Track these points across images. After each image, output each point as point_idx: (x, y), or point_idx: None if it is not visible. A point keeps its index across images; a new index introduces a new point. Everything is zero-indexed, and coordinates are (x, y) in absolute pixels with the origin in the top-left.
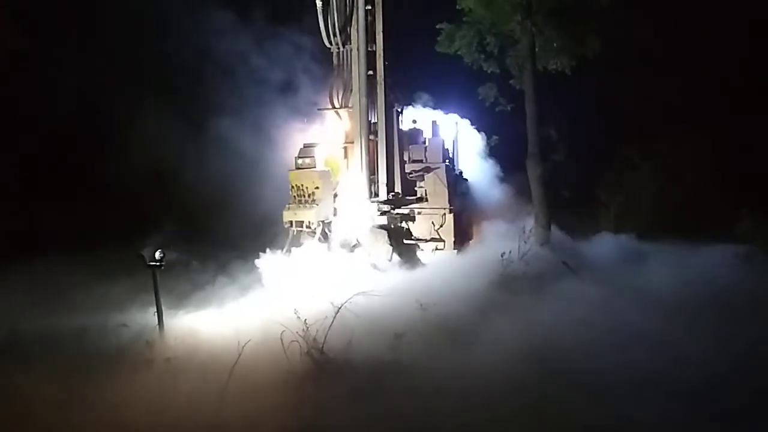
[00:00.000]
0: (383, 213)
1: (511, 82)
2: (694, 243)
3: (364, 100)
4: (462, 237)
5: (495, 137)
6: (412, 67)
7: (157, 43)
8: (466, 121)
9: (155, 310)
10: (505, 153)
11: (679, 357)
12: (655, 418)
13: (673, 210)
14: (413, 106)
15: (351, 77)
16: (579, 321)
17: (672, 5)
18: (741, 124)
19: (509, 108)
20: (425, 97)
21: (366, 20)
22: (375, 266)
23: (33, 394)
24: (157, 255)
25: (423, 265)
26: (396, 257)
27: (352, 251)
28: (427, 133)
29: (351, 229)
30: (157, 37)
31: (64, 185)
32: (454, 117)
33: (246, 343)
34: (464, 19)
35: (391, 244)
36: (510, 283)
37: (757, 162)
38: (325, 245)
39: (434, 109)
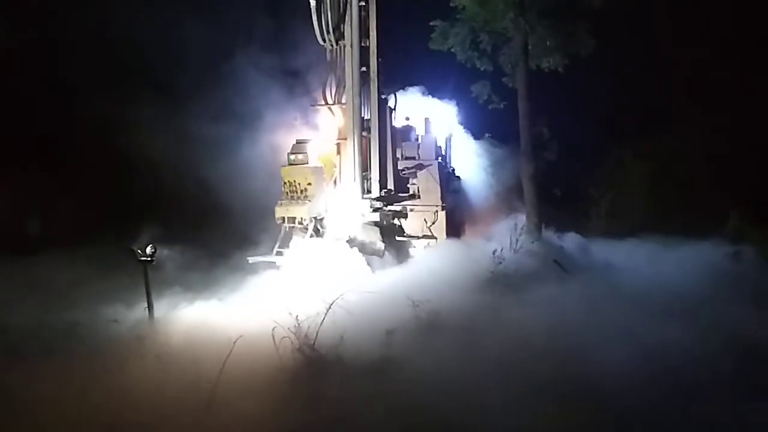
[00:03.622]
0: (376, 210)
1: (504, 80)
2: (685, 241)
3: (357, 96)
4: (454, 234)
5: (487, 135)
6: (405, 64)
7: (144, 34)
8: (454, 108)
9: (146, 305)
10: (497, 150)
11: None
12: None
13: (663, 208)
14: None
15: (344, 74)
16: (567, 319)
17: (665, 5)
18: (732, 124)
19: (502, 106)
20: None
21: (360, 17)
22: (367, 263)
23: (24, 389)
24: (148, 250)
25: (415, 262)
26: (388, 254)
27: (344, 248)
28: (420, 131)
29: (343, 226)
30: (144, 28)
31: (52, 179)
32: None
33: (237, 339)
34: (458, 16)
35: (383, 241)
36: (501, 280)
37: (747, 161)
38: (317, 241)
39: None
